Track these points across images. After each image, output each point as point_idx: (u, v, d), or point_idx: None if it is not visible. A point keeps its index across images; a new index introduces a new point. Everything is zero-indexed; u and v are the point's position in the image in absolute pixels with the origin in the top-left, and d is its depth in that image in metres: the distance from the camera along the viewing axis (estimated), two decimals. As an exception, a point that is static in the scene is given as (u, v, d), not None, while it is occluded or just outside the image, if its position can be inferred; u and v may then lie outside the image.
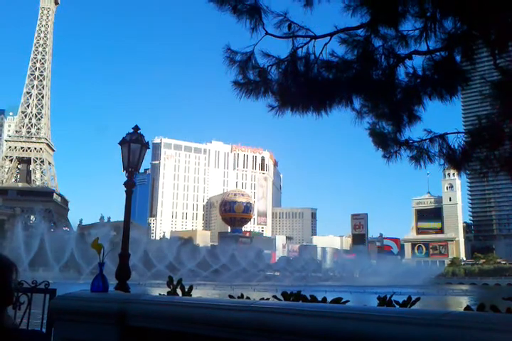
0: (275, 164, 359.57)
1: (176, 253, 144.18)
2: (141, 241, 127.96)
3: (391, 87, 6.86)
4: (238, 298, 4.49)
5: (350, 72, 6.70)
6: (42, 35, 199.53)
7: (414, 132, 7.50)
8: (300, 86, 6.70)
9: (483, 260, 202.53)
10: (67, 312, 4.44)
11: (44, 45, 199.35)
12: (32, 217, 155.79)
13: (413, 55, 6.78)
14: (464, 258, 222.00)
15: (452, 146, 7.42)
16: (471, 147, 7.45)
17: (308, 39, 6.58)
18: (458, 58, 6.87)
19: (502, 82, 7.11)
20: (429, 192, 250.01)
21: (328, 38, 6.54)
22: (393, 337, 2.27)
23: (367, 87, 6.73)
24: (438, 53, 6.78)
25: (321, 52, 6.59)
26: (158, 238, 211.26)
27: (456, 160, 7.45)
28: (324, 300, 4.02)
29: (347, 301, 4.00)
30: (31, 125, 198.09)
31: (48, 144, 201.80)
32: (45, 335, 3.06)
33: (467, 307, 3.64)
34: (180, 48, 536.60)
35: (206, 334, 3.36)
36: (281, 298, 4.26)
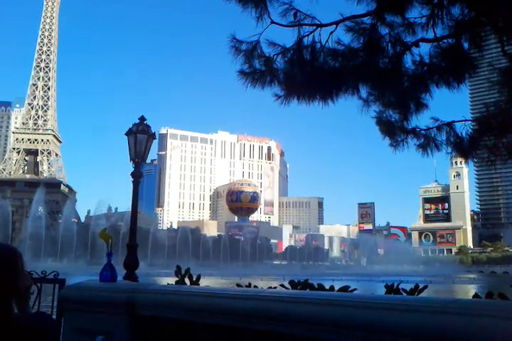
0: (281, 154, 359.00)
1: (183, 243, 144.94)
2: (149, 232, 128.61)
3: (398, 75, 6.81)
4: (246, 286, 4.51)
5: (357, 60, 6.66)
6: (47, 26, 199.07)
7: (421, 120, 7.47)
8: (306, 75, 6.66)
9: (491, 248, 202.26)
10: (76, 302, 4.48)
11: (49, 37, 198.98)
12: (40, 208, 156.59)
13: (420, 43, 6.71)
14: (472, 247, 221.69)
15: (460, 134, 7.38)
16: (479, 135, 7.41)
17: (314, 27, 6.53)
18: (465, 45, 6.81)
19: (510, 69, 7.05)
20: (436, 181, 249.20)
21: (334, 26, 6.49)
22: (401, 324, 2.27)
23: (373, 75, 6.69)
24: (445, 40, 6.72)
25: (326, 41, 6.54)
26: (165, 228, 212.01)
27: (463, 148, 7.41)
28: (332, 288, 4.03)
29: (354, 289, 4.01)
30: (38, 117, 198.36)
31: (54, 136, 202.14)
32: (53, 319, 3.09)
33: (475, 295, 3.64)
34: (185, 38, 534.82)
35: (214, 322, 3.38)
36: (289, 286, 4.27)
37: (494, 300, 3.18)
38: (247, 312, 3.12)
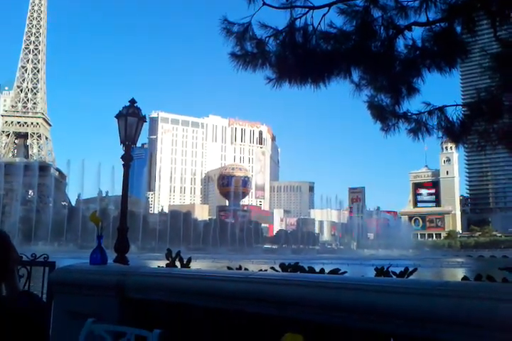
0: (273, 138, 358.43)
1: (175, 226, 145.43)
2: (140, 215, 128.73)
3: (390, 58, 6.78)
4: (236, 269, 4.52)
5: (349, 43, 6.61)
6: (36, 7, 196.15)
7: (412, 105, 7.46)
8: (298, 58, 6.61)
9: (479, 233, 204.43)
10: (66, 285, 4.48)
11: (38, 18, 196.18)
12: (30, 192, 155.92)
13: (413, 27, 6.68)
14: (460, 231, 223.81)
15: (451, 119, 7.39)
16: (470, 120, 7.42)
17: (307, 10, 6.47)
18: (458, 29, 6.77)
19: (502, 54, 7.04)
20: (426, 166, 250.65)
21: (327, 8, 6.43)
22: (391, 306, 2.28)
23: (366, 58, 6.65)
24: (438, 24, 6.68)
25: (319, 23, 6.49)
26: (156, 212, 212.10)
27: (454, 132, 7.43)
28: (322, 271, 4.05)
29: (345, 272, 4.03)
30: (27, 100, 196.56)
31: (44, 119, 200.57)
32: (41, 299, 3.09)
33: (464, 278, 3.68)
34: (176, 21, 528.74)
35: (205, 305, 3.39)
36: (279, 269, 4.28)
37: (483, 282, 3.21)
38: (237, 294, 3.13)
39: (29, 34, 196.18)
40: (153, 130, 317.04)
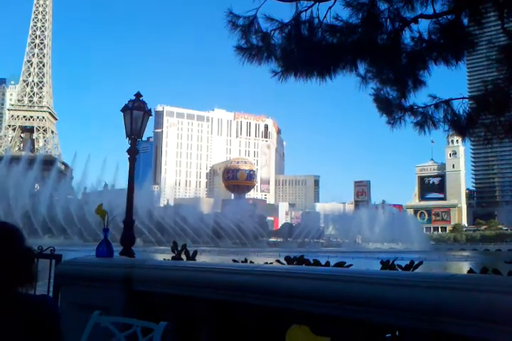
0: (278, 131, 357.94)
1: (180, 219, 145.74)
2: (145, 209, 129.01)
3: (396, 51, 6.74)
4: (242, 262, 4.53)
5: (355, 36, 6.57)
6: (41, 1, 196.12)
7: (419, 98, 7.42)
8: (304, 51, 6.59)
9: (485, 226, 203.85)
10: (72, 277, 4.50)
11: (44, 13, 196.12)
12: (36, 186, 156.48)
13: (419, 19, 6.63)
14: (466, 225, 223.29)
15: (457, 112, 7.34)
16: (476, 113, 7.38)
17: (312, 2, 6.44)
18: (465, 21, 6.72)
19: (509, 46, 6.99)
20: (432, 159, 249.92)
21: (333, 1, 6.40)
22: (397, 299, 2.29)
23: (372, 51, 6.62)
24: (445, 17, 6.63)
25: (325, 16, 6.46)
26: (161, 205, 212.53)
27: (460, 125, 7.39)
28: (327, 264, 4.05)
29: (350, 265, 4.02)
30: (33, 94, 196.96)
31: (50, 113, 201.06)
32: (53, 300, 3.09)
33: (470, 271, 3.67)
34: (181, 14, 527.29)
35: (210, 297, 3.40)
36: (285, 262, 4.29)
37: (489, 275, 3.21)
38: (243, 286, 3.14)
39: (35, 28, 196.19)
40: (158, 124, 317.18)
